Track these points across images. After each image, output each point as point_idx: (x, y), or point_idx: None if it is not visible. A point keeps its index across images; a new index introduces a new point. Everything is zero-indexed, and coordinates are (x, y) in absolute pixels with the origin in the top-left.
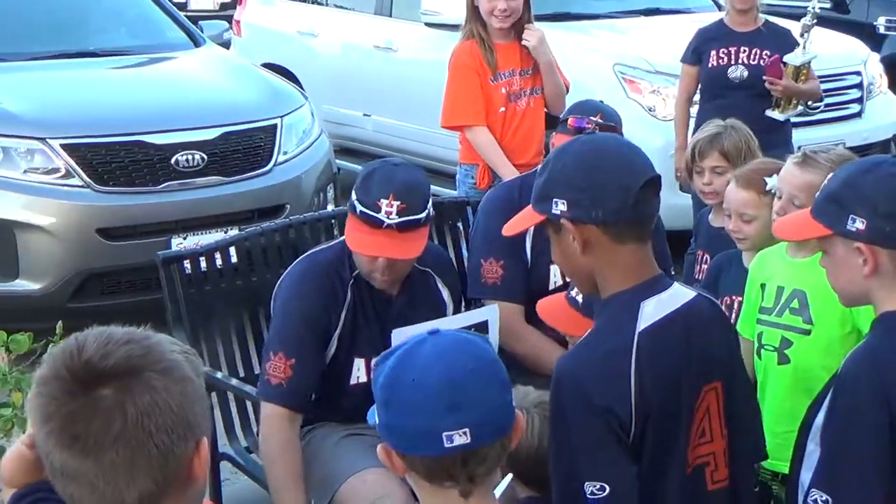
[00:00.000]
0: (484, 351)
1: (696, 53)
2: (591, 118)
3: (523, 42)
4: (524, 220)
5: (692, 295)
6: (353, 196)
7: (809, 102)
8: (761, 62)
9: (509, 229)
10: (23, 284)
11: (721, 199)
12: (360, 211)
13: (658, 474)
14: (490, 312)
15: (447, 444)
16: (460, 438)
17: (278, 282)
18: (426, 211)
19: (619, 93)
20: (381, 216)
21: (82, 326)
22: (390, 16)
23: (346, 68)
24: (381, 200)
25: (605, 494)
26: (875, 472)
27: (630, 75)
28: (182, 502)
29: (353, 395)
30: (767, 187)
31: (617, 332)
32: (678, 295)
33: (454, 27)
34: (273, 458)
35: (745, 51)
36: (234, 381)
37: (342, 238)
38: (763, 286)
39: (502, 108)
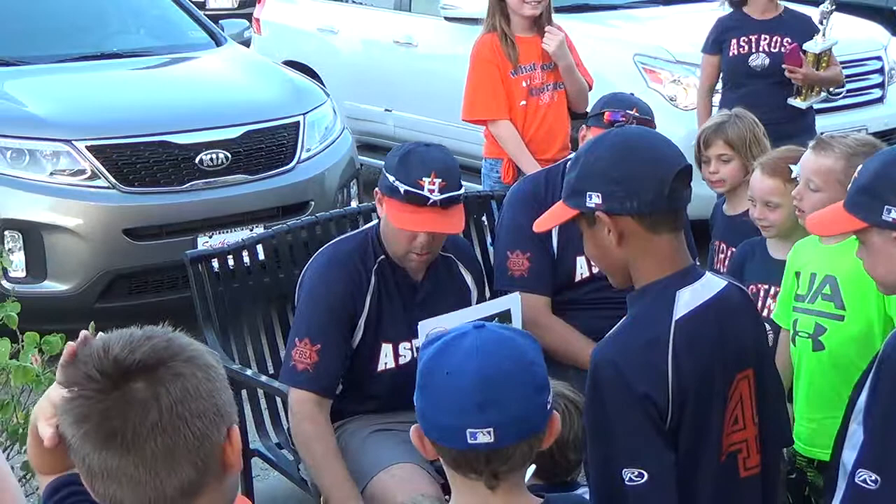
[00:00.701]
0: (524, 352)
1: (716, 43)
2: (628, 112)
3: (543, 45)
4: (556, 216)
5: (724, 284)
6: (392, 179)
7: (832, 88)
8: (782, 49)
9: (540, 226)
10: (51, 286)
11: (728, 188)
12: (406, 190)
13: (694, 462)
14: (512, 301)
15: (470, 441)
16: (484, 437)
17: (303, 271)
18: (462, 187)
19: (640, 83)
20: (426, 193)
21: (112, 327)
22: (410, 11)
23: (367, 64)
24: (424, 179)
25: (643, 481)
26: None
27: (650, 65)
28: (219, 493)
29: (381, 382)
30: (793, 175)
31: (654, 321)
32: (711, 284)
33: (474, 21)
34: (308, 440)
35: (765, 38)
36: (263, 378)
37: (364, 228)
38: (798, 274)
39: (523, 102)
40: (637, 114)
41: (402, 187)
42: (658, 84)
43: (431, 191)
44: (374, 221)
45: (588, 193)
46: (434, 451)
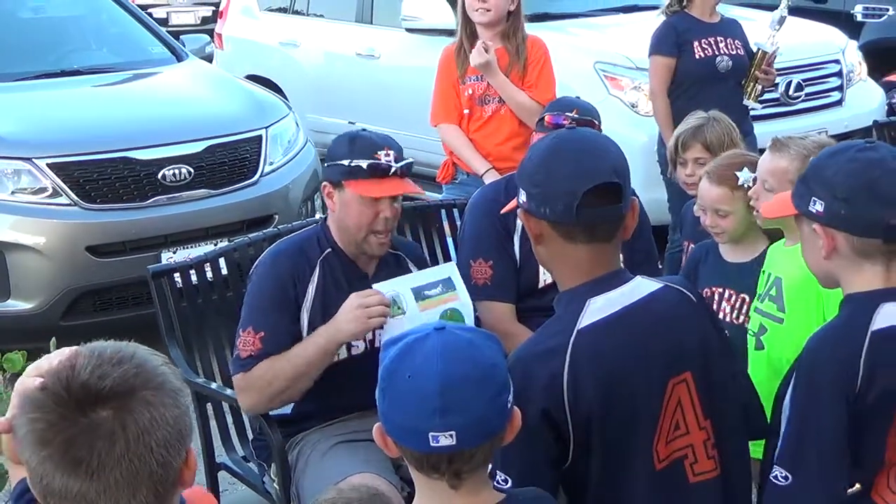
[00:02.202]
0: (485, 356)
1: (676, 45)
2: (567, 114)
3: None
4: (512, 203)
5: (655, 287)
6: (347, 162)
7: (790, 92)
8: (738, 52)
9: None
10: (14, 304)
11: None
12: (369, 164)
13: (618, 472)
14: (450, 269)
15: (432, 444)
16: (446, 440)
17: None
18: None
19: (601, 90)
20: (386, 164)
21: (75, 344)
22: (371, 23)
23: (329, 77)
24: (379, 153)
25: (506, 487)
26: (835, 450)
27: (611, 72)
28: None
29: (336, 374)
30: (740, 182)
31: (558, 329)
32: (636, 290)
33: (435, 32)
34: (270, 381)
35: (722, 41)
36: (228, 392)
37: (313, 226)
38: (764, 273)
39: (466, 111)
40: (577, 115)
41: (364, 162)
42: (619, 91)
43: (388, 161)
44: (317, 223)
45: (520, 189)
46: (397, 449)
